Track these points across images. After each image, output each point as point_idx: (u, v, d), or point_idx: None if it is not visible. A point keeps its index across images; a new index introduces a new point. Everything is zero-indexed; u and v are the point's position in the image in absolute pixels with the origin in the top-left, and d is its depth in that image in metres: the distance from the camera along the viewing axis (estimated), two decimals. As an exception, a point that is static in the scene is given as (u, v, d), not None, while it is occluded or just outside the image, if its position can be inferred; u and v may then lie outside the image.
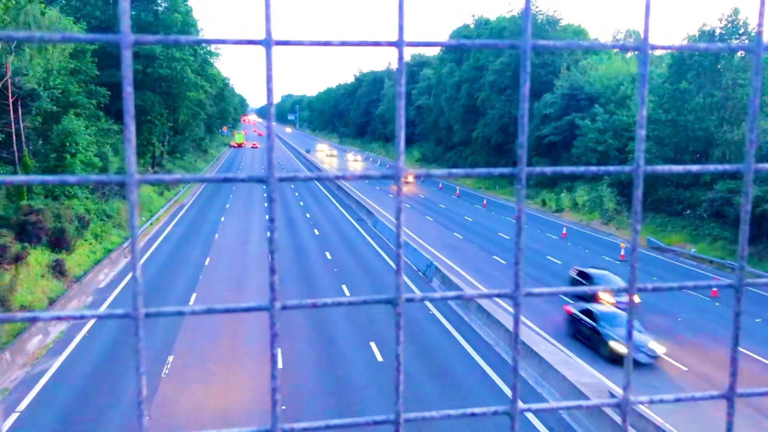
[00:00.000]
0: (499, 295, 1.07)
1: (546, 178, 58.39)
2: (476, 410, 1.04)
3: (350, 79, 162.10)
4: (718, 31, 43.19)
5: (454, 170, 1.01)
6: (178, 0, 58.07)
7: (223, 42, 0.94)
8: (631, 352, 1.08)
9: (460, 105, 77.18)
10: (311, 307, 0.98)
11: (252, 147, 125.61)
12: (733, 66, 42.14)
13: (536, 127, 61.12)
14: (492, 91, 69.43)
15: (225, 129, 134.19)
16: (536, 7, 68.18)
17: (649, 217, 44.31)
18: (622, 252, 36.17)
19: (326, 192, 62.16)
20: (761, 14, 1.05)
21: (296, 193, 60.97)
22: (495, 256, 35.10)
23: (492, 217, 49.64)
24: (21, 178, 0.92)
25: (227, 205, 51.95)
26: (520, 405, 1.05)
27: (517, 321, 1.04)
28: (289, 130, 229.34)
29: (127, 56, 0.89)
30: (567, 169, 1.03)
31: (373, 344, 20.98)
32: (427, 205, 54.76)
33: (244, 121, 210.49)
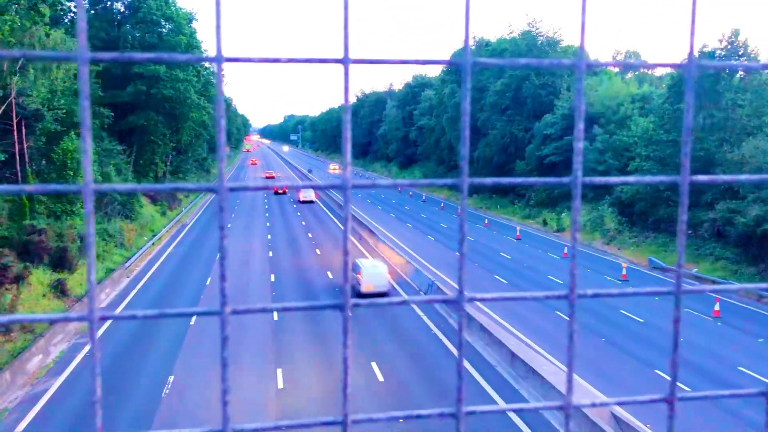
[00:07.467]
0: (444, 301, 1.11)
1: (546, 197, 58.53)
2: (422, 412, 1.08)
3: (352, 100, 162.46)
4: (718, 52, 43.41)
5: (399, 180, 1.06)
6: (182, 23, 58.68)
7: (176, 61, 0.99)
8: (572, 360, 1.12)
9: (461, 126, 77.49)
10: (260, 312, 1.02)
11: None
12: (732, 87, 42.29)
13: (537, 147, 61.28)
14: (493, 112, 69.73)
15: (228, 150, 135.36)
16: (536, 29, 68.82)
17: (651, 237, 44.22)
18: (624, 272, 36.09)
19: (329, 212, 62.25)
20: (692, 33, 1.10)
21: (298, 213, 61.10)
22: (496, 275, 35.06)
23: (493, 236, 49.63)
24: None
25: (229, 225, 51.99)
26: (465, 407, 1.09)
27: (461, 325, 1.09)
28: (286, 149, 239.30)
29: (84, 72, 0.95)
30: (506, 179, 1.08)
31: (374, 364, 20.93)
32: (428, 224, 54.80)
33: (246, 141, 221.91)
